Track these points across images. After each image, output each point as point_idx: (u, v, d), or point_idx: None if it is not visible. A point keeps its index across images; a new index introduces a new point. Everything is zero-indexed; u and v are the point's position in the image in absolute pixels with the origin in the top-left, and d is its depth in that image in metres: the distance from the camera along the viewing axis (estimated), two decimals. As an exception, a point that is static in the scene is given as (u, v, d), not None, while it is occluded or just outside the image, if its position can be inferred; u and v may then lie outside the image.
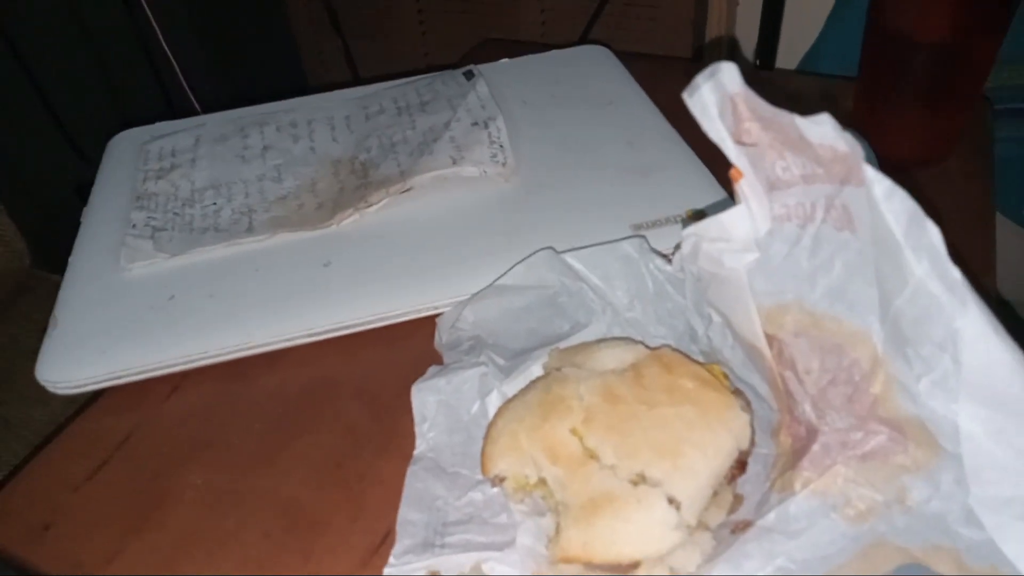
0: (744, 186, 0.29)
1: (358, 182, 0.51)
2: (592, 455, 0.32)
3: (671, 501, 0.30)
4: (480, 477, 0.36)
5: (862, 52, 0.55)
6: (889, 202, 0.24)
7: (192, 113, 0.68)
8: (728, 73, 0.27)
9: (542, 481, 0.33)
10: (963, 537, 0.27)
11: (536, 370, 0.38)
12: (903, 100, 0.53)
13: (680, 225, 0.46)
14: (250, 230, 0.49)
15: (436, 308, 0.44)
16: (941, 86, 0.52)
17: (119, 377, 0.43)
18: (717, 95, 0.27)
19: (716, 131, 0.28)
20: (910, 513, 0.28)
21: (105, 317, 0.45)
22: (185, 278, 0.47)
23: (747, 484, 0.34)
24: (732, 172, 0.29)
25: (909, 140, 0.55)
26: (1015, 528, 0.25)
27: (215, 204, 0.52)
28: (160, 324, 0.44)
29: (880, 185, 0.24)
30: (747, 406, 0.34)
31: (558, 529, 0.31)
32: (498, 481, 0.34)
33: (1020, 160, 0.81)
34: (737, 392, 0.35)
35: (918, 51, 0.51)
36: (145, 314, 0.45)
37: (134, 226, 0.50)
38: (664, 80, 0.60)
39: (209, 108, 0.64)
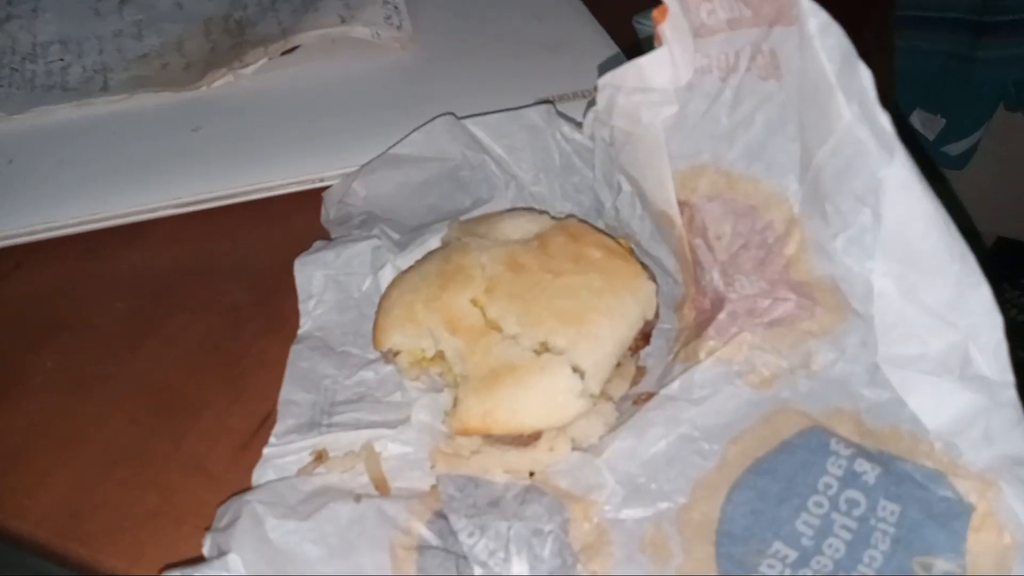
0: (667, 29, 0.27)
1: (232, 41, 0.46)
2: (494, 326, 0.30)
3: (575, 369, 0.29)
4: (372, 356, 0.33)
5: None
6: (824, 38, 0.23)
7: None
8: None
9: (440, 355, 0.31)
10: (865, 398, 0.27)
11: (434, 243, 0.36)
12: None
13: (587, 101, 0.43)
14: (105, 89, 0.43)
15: (322, 181, 0.40)
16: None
17: (-52, 251, 0.37)
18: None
19: None
20: (814, 378, 0.28)
21: (-72, 183, 0.38)
22: (27, 141, 0.41)
23: (649, 358, 0.33)
24: (655, 12, 0.26)
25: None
26: (920, 381, 0.25)
27: (62, 60, 0.45)
28: (-3, 191, 0.38)
29: (816, 18, 0.22)
30: (652, 278, 0.33)
31: (456, 401, 0.29)
32: (392, 356, 0.32)
33: (911, 73, 0.82)
34: (643, 267, 0.34)
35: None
36: (-22, 180, 0.39)
37: (-38, 81, 0.43)
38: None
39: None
